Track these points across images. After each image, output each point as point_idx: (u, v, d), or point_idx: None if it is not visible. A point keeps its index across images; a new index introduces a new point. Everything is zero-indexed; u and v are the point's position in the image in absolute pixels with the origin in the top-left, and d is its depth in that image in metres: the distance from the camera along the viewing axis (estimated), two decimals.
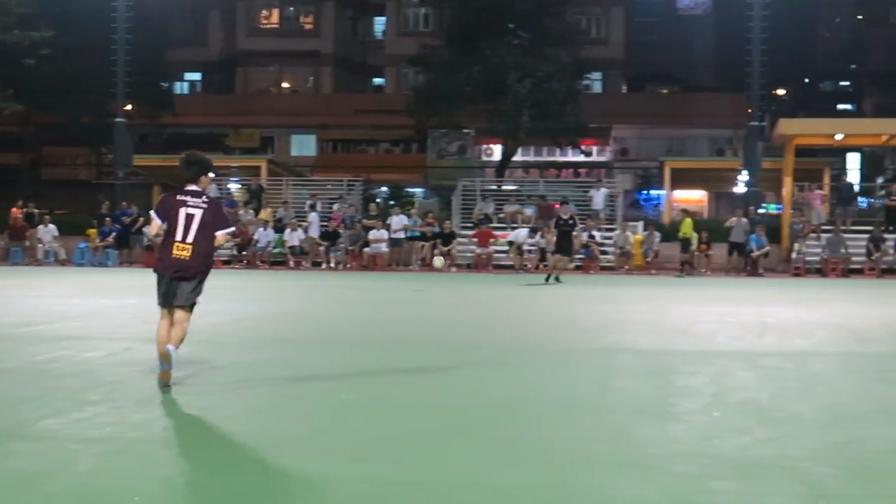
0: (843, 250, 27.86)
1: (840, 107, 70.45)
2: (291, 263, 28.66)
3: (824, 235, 28.58)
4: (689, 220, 28.20)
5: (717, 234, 28.64)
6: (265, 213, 30.62)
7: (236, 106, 50.83)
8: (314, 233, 29.35)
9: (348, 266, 28.78)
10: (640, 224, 31.28)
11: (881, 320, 13.57)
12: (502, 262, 28.66)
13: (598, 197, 31.37)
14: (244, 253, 28.99)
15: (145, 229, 24.62)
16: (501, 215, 31.92)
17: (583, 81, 41.99)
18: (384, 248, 28.93)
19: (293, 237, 28.87)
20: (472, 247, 29.24)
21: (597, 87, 50.81)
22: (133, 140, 34.59)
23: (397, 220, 29.39)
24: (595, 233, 29.06)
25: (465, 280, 24.01)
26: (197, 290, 7.33)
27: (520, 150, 42.61)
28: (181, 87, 54.89)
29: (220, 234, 7.41)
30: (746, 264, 27.74)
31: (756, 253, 27.58)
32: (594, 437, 5.83)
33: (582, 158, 45.19)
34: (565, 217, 22.03)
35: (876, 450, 5.61)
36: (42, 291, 17.68)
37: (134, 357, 8.80)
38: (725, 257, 28.43)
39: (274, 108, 50.69)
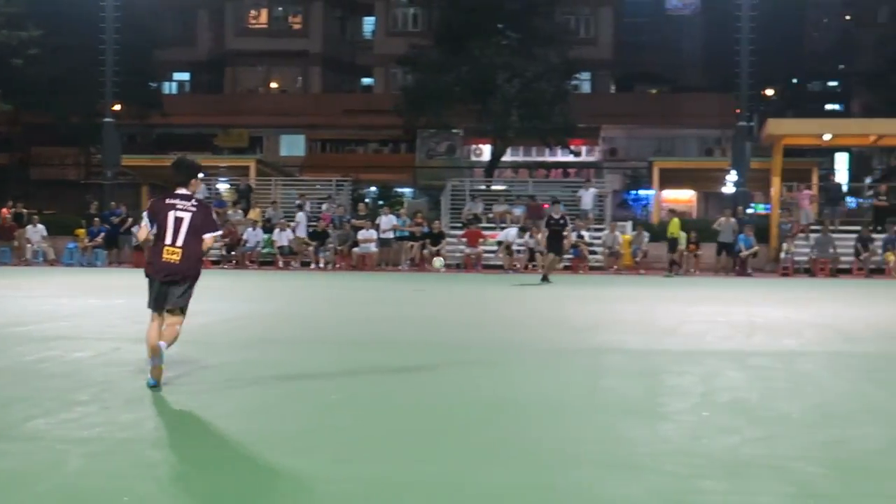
0: (831, 250, 27.95)
1: (828, 107, 70.51)
2: (280, 263, 28.63)
3: (813, 235, 28.68)
4: (676, 220, 28.25)
5: (706, 234, 28.68)
6: (254, 214, 30.57)
7: (225, 106, 50.72)
8: (302, 233, 29.32)
9: (337, 266, 28.75)
10: (629, 224, 31.35)
11: (869, 320, 13.60)
12: (491, 262, 28.68)
13: (587, 197, 31.42)
14: (233, 253, 28.93)
15: (134, 229, 24.53)
16: (490, 215, 31.95)
17: (572, 81, 41.96)
18: (373, 248, 28.91)
19: (282, 237, 28.82)
20: (462, 247, 29.26)
21: (586, 88, 50.88)
22: (122, 140, 34.53)
23: (386, 220, 29.37)
24: (584, 233, 29.10)
25: (455, 280, 23.99)
26: (187, 294, 7.32)
27: (509, 151, 42.65)
28: (170, 87, 54.74)
29: (208, 237, 7.42)
30: (735, 264, 27.80)
31: (745, 253, 27.64)
32: (583, 437, 5.84)
33: (571, 158, 45.23)
34: (556, 217, 22.10)
35: (864, 449, 5.63)
36: (31, 291, 17.63)
37: (123, 357, 8.79)
38: (714, 257, 28.49)
39: (263, 108, 50.59)
